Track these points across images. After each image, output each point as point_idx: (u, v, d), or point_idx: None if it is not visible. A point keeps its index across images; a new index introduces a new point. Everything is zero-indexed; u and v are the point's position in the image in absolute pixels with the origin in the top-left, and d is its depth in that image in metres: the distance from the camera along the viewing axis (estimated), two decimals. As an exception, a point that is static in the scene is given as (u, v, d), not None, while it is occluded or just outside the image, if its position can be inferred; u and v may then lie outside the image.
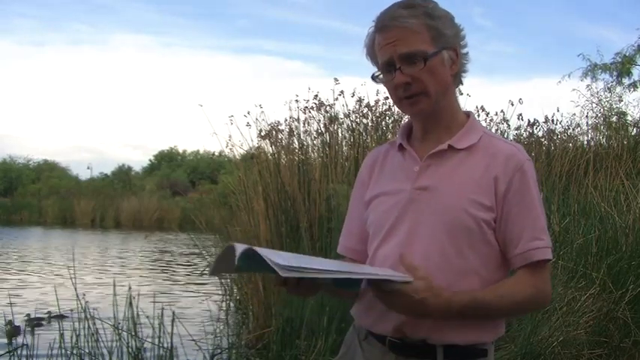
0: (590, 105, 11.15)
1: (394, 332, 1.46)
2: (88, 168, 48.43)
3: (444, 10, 1.51)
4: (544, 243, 1.46)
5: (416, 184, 1.51)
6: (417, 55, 1.46)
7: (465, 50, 1.54)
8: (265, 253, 1.26)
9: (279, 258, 1.25)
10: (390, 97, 1.57)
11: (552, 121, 8.28)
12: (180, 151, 50.64)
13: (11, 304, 3.43)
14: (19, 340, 3.31)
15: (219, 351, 4.01)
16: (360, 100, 6.72)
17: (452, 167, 1.50)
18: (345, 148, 6.53)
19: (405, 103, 1.51)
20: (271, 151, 6.23)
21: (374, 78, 1.55)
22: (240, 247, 1.29)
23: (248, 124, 6.12)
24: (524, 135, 7.97)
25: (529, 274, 1.45)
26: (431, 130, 1.55)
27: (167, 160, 49.31)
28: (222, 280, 6.08)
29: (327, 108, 6.46)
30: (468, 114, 1.60)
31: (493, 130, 7.17)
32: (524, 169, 1.47)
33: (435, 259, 1.43)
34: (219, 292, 6.21)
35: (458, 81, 1.57)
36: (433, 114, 1.53)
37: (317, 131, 6.45)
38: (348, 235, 1.70)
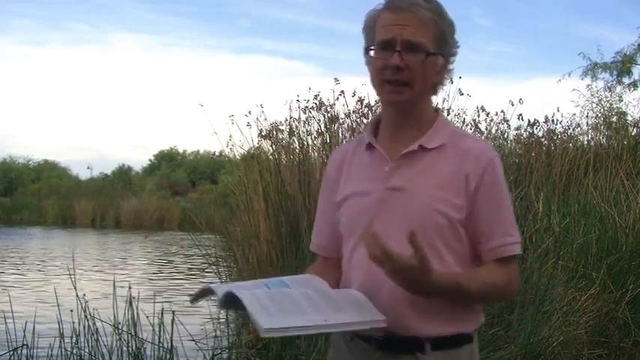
0: (590, 105, 11.17)
1: (380, 333, 1.47)
2: (88, 168, 48.27)
3: (452, 20, 1.53)
4: (514, 239, 1.51)
5: (387, 185, 1.51)
6: (420, 48, 1.47)
7: (451, 67, 1.57)
8: (250, 305, 1.28)
9: (263, 313, 1.27)
10: (372, 79, 1.55)
11: (552, 121, 8.28)
12: (180, 151, 50.68)
13: (11, 304, 3.42)
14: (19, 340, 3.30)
15: (219, 351, 4.00)
16: (360, 100, 6.73)
17: (423, 167, 1.51)
18: (345, 148, 6.52)
19: (387, 89, 1.50)
20: (271, 151, 6.23)
21: (367, 50, 1.54)
22: (220, 291, 1.34)
23: (248, 124, 6.13)
24: (524, 135, 7.98)
25: (502, 267, 1.49)
26: (402, 127, 1.55)
27: (167, 160, 49.30)
28: (222, 281, 6.08)
29: (328, 108, 6.46)
30: (437, 111, 1.61)
31: (493, 131, 7.19)
32: (494, 166, 1.50)
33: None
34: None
35: (436, 90, 1.59)
36: (407, 110, 1.54)
37: (317, 131, 6.45)
38: (318, 234, 1.72)
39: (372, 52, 1.52)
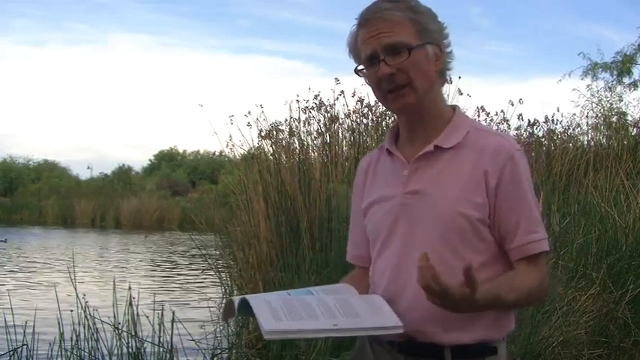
0: (590, 105, 11.17)
1: (401, 337, 1.45)
2: (88, 168, 48.39)
3: (427, 6, 1.51)
4: (540, 235, 1.45)
5: (406, 189, 1.49)
6: (401, 46, 1.44)
7: (449, 49, 1.53)
8: (258, 308, 1.28)
9: (269, 316, 1.27)
10: (374, 94, 1.54)
11: (552, 121, 8.29)
12: (180, 151, 50.67)
13: (11, 304, 3.43)
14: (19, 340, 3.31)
15: (219, 351, 4.01)
16: (360, 100, 6.73)
17: (441, 168, 1.47)
18: (345, 148, 6.54)
19: (390, 98, 1.48)
20: (271, 151, 6.23)
21: (357, 72, 1.53)
22: (237, 300, 1.35)
23: (248, 124, 6.13)
24: (524, 135, 7.97)
25: (531, 267, 1.44)
26: (417, 129, 1.53)
27: (167, 160, 49.28)
28: (222, 281, 6.08)
29: (328, 108, 6.46)
30: (454, 108, 1.57)
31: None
32: (514, 160, 1.45)
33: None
34: (220, 292, 6.21)
35: (443, 79, 1.55)
36: (418, 111, 1.50)
37: (317, 131, 6.45)
38: (353, 244, 1.71)
39: (363, 72, 1.52)
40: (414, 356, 1.46)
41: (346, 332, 1.34)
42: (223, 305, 1.45)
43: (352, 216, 1.70)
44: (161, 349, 3.37)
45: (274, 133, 6.37)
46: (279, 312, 1.29)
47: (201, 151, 46.44)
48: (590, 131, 9.08)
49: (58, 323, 3.32)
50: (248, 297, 1.34)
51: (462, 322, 1.41)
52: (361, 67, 1.52)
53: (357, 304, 1.41)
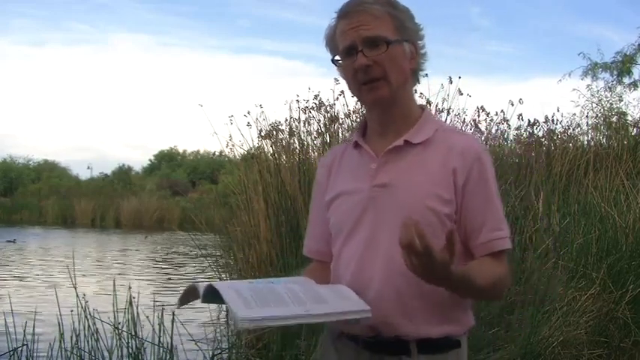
0: (590, 105, 11.19)
1: (368, 331, 1.47)
2: (88, 168, 48.41)
3: (406, 5, 1.54)
4: (504, 233, 1.50)
5: (374, 182, 1.51)
6: (380, 40, 1.47)
7: (423, 50, 1.56)
8: (228, 297, 1.29)
9: (241, 304, 1.27)
10: (348, 85, 1.56)
11: (552, 121, 8.28)
12: (180, 151, 50.70)
13: (11, 304, 3.43)
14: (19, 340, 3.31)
15: (219, 351, 4.01)
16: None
17: (409, 163, 1.50)
18: (345, 148, 6.52)
19: (364, 90, 1.50)
20: (271, 151, 6.23)
21: (334, 62, 1.55)
22: (202, 286, 1.35)
23: (248, 124, 6.12)
24: (524, 135, 7.97)
25: (495, 262, 1.47)
26: (388, 123, 1.55)
27: (167, 160, 49.29)
28: (223, 281, 6.07)
29: (328, 108, 6.46)
30: (423, 108, 1.60)
31: (493, 131, 7.18)
32: (482, 160, 1.49)
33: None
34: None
35: (415, 79, 1.58)
36: (391, 105, 1.52)
37: (317, 131, 6.44)
38: (312, 238, 1.72)
39: (339, 62, 1.53)
40: (380, 352, 1.47)
41: (318, 317, 1.35)
42: (183, 292, 1.43)
43: (313, 210, 1.71)
44: (161, 349, 3.37)
45: (274, 133, 6.36)
46: (249, 300, 1.30)
47: (201, 151, 46.53)
48: (590, 131, 9.10)
49: (58, 323, 3.32)
50: (215, 284, 1.35)
51: (428, 314, 1.44)
52: (338, 57, 1.53)
53: (324, 292, 1.43)
